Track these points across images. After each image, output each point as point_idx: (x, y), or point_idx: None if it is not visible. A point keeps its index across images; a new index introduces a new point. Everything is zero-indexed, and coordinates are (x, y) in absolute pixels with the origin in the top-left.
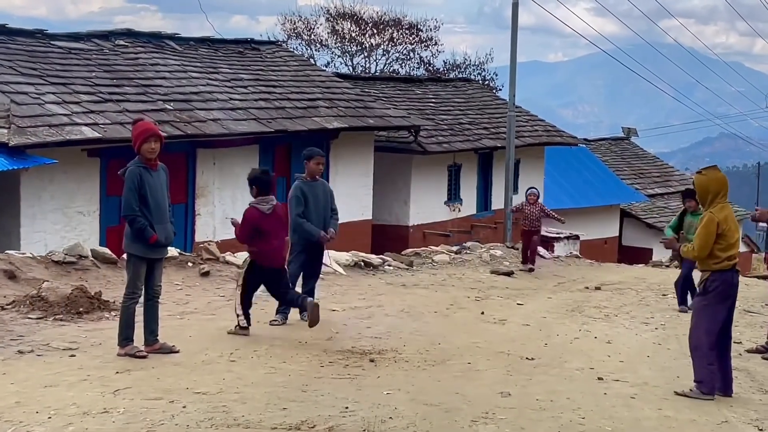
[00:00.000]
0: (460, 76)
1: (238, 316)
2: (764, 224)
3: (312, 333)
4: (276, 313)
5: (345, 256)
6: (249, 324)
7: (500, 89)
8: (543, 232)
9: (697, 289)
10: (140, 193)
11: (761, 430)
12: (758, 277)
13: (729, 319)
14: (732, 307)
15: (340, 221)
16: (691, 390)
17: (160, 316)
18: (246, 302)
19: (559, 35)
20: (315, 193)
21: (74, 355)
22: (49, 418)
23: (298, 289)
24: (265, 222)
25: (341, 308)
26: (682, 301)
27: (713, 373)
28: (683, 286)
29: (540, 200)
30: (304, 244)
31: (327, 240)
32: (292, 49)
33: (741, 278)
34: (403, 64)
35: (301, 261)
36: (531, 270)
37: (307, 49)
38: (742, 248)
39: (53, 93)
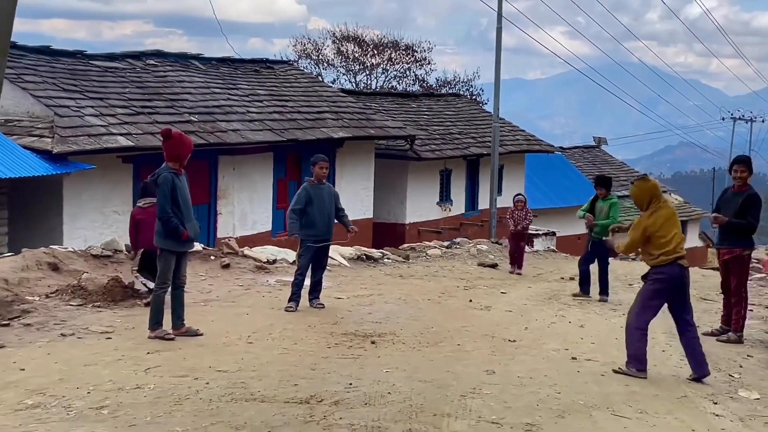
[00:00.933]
0: (451, 91)
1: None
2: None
3: (320, 318)
4: (289, 301)
5: (349, 250)
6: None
7: (486, 103)
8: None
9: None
10: (172, 196)
11: (716, 403)
12: (713, 269)
13: (684, 308)
14: (682, 297)
15: None
16: (626, 366)
17: (186, 303)
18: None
19: (537, 55)
20: (320, 195)
21: (110, 338)
22: (88, 393)
23: (308, 280)
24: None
25: (346, 296)
26: (586, 290)
27: (641, 351)
28: (585, 275)
29: (527, 206)
30: (307, 244)
31: (350, 234)
32: (302, 68)
33: (699, 269)
34: (400, 81)
35: (310, 255)
36: (519, 274)
37: (315, 68)
38: (699, 243)
39: (92, 106)
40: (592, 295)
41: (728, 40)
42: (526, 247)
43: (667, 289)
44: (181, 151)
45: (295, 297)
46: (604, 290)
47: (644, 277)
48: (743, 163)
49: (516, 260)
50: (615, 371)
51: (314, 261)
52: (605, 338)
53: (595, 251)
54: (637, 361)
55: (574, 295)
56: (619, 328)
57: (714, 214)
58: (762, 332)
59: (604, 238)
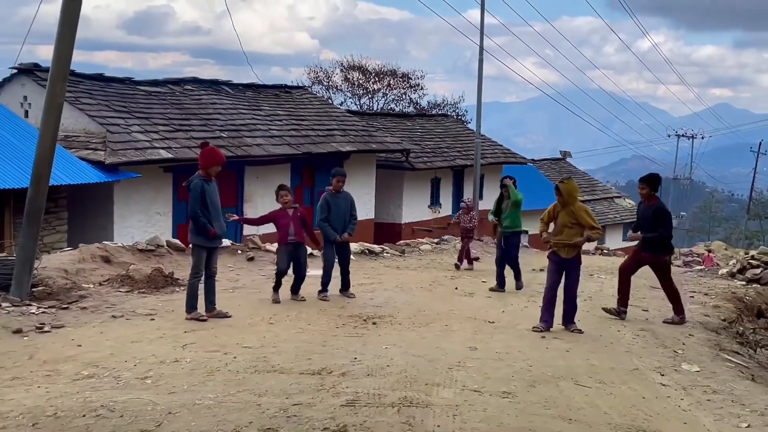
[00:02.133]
0: (440, 112)
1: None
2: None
3: (330, 303)
4: (320, 292)
5: (354, 246)
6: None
7: (469, 122)
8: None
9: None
10: (202, 199)
11: (663, 375)
12: None
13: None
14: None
15: None
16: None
17: (217, 290)
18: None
19: (513, 82)
20: (338, 203)
21: (153, 319)
22: (135, 365)
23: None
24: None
25: (351, 285)
26: (501, 283)
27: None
28: (502, 269)
29: (472, 211)
30: (329, 242)
31: (342, 240)
32: (315, 92)
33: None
34: (397, 104)
35: (333, 252)
36: (468, 269)
37: (326, 92)
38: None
39: (138, 124)
40: (507, 288)
41: (673, 69)
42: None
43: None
44: (212, 162)
45: (324, 286)
46: (519, 278)
47: (577, 260)
48: (642, 181)
49: (467, 257)
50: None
51: (339, 256)
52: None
53: (508, 246)
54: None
55: (491, 289)
56: (582, 312)
57: (631, 234)
58: (702, 315)
59: (491, 220)
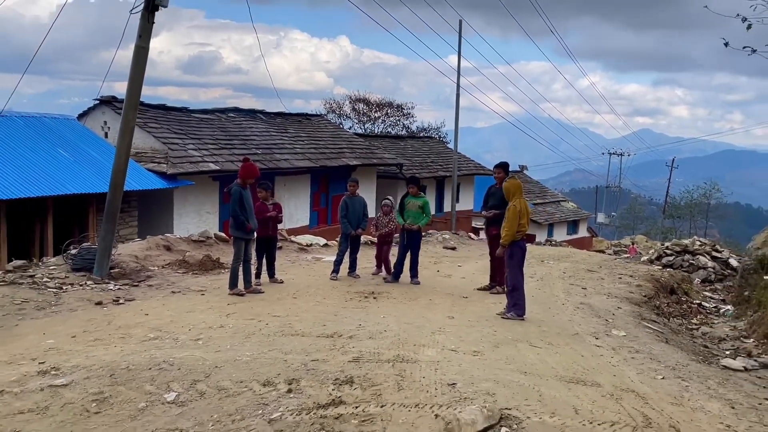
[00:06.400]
0: (426, 135)
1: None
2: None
3: (340, 281)
4: (332, 272)
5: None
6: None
7: (449, 143)
8: (473, 224)
9: (503, 254)
10: (240, 202)
11: (597, 338)
12: (597, 251)
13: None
14: (523, 260)
15: None
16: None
17: (252, 272)
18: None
19: (482, 111)
20: (353, 204)
21: (203, 294)
22: (189, 330)
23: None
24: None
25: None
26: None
27: (523, 301)
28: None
29: (392, 212)
30: (345, 235)
31: (356, 234)
32: (329, 119)
33: (586, 252)
34: (393, 128)
35: (346, 243)
36: (385, 279)
37: (338, 119)
38: (587, 234)
39: (192, 143)
40: (401, 280)
41: (606, 102)
42: (475, 236)
43: (525, 255)
44: (249, 175)
45: (336, 268)
46: (415, 275)
47: (510, 252)
48: (498, 166)
49: (384, 263)
50: (500, 315)
51: (351, 246)
52: (527, 295)
53: (409, 241)
54: (519, 309)
55: (386, 280)
56: (535, 290)
57: (484, 211)
58: (628, 293)
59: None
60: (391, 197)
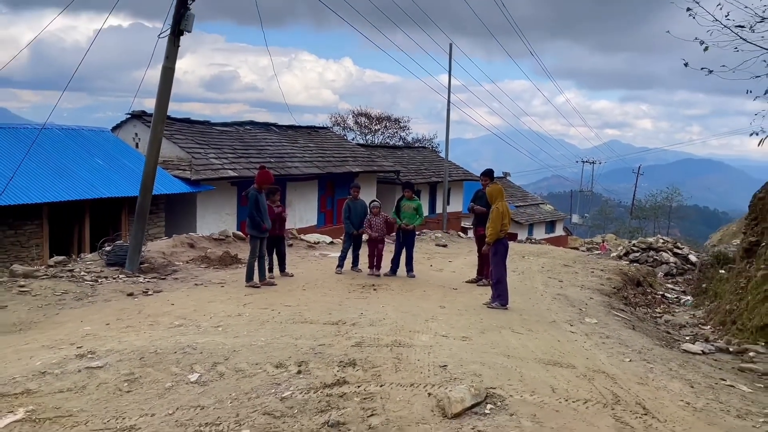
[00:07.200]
0: (420, 145)
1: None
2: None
3: (345, 275)
4: (337, 267)
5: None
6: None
7: (440, 152)
8: (462, 224)
9: (489, 251)
10: (256, 205)
11: (572, 325)
12: (572, 248)
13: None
14: (506, 256)
15: None
16: (495, 304)
17: (266, 267)
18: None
19: (470, 124)
20: (356, 207)
21: (223, 286)
22: (210, 318)
23: (350, 254)
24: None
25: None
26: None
27: (506, 292)
28: (397, 260)
29: (382, 212)
30: (348, 234)
31: (358, 234)
32: (334, 131)
33: (563, 249)
34: (391, 139)
35: (350, 241)
36: (377, 276)
37: (342, 131)
38: (563, 233)
39: (213, 153)
40: (398, 274)
41: (579, 116)
42: (464, 235)
43: (507, 252)
44: (264, 181)
45: (340, 263)
46: (410, 269)
47: (494, 249)
48: (484, 174)
49: (377, 263)
50: (486, 305)
51: (353, 244)
52: (511, 287)
53: (405, 239)
54: (503, 299)
55: (385, 274)
56: (518, 283)
57: (472, 205)
58: (599, 285)
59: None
60: (378, 200)
